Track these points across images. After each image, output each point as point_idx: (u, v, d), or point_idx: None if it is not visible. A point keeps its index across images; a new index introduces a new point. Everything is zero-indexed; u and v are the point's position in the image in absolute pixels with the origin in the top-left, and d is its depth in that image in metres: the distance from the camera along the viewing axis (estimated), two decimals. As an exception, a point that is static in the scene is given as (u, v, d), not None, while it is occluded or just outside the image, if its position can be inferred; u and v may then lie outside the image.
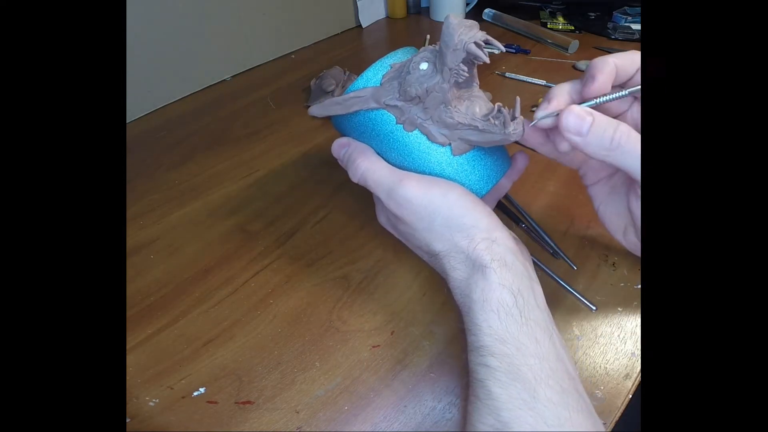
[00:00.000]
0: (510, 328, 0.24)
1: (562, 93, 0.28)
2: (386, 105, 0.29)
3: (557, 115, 0.26)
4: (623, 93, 0.27)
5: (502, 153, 0.32)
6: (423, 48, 0.29)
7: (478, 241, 0.27)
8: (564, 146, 0.27)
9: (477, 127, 0.28)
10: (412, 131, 0.29)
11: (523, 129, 0.28)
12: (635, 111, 0.29)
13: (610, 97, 0.27)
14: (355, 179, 0.31)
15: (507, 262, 0.26)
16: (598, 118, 0.26)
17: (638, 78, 0.27)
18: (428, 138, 0.29)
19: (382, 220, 0.34)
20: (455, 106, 0.28)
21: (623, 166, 0.26)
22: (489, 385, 0.23)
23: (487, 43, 0.26)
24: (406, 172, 0.30)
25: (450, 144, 0.29)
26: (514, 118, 0.27)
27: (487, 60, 0.26)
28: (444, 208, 0.28)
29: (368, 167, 0.30)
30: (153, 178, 0.46)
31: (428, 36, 0.33)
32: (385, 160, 0.31)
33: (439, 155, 0.30)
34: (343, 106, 0.30)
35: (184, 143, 0.52)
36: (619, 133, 0.25)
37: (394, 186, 0.29)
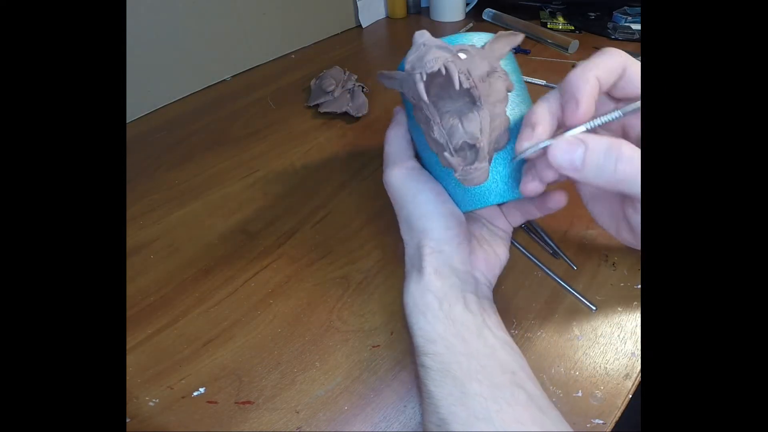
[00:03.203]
0: (437, 329, 0.25)
1: (544, 116, 0.25)
2: (404, 94, 0.29)
3: (544, 145, 0.24)
4: (617, 115, 0.24)
5: (504, 180, 0.29)
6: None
7: (424, 246, 0.28)
8: (549, 176, 0.25)
9: (443, 151, 0.26)
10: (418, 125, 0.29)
11: (482, 176, 0.25)
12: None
13: (602, 120, 0.24)
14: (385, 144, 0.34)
15: (441, 272, 0.27)
16: (591, 145, 0.22)
17: (622, 85, 0.25)
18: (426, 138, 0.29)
19: None
20: (440, 122, 0.26)
21: (634, 194, 0.22)
22: (428, 384, 0.24)
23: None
24: (407, 158, 0.32)
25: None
26: (471, 163, 0.25)
27: (426, 100, 0.24)
28: (410, 206, 0.30)
29: (389, 139, 0.33)
30: (153, 178, 0.46)
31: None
32: (412, 136, 0.33)
33: (435, 158, 0.29)
34: (387, 79, 0.30)
35: (184, 143, 0.52)
36: (624, 160, 0.22)
37: (387, 166, 0.32)
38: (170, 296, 0.34)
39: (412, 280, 0.28)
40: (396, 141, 0.32)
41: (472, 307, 0.26)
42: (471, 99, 0.25)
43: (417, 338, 0.26)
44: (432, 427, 0.23)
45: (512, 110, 0.29)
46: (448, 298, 0.26)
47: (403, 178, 0.30)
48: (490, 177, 0.28)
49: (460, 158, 0.26)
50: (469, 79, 0.25)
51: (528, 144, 0.25)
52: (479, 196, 0.30)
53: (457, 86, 0.24)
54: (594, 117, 0.24)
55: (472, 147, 0.25)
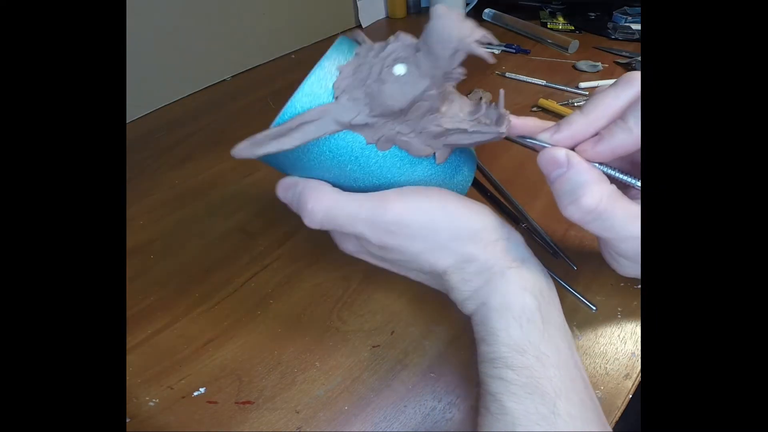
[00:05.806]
0: (531, 337, 0.22)
1: (576, 126, 0.24)
2: (353, 125, 0.24)
3: (543, 145, 0.25)
4: (632, 182, 0.24)
5: None
6: (387, 44, 0.25)
7: (491, 242, 0.25)
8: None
9: (465, 129, 0.24)
10: (388, 149, 0.25)
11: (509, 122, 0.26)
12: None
13: (615, 174, 0.24)
14: (315, 225, 0.25)
15: (524, 259, 0.25)
16: (572, 170, 0.23)
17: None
18: (409, 152, 0.25)
19: (349, 249, 0.29)
20: (441, 111, 0.25)
21: (593, 232, 0.23)
22: (503, 400, 0.22)
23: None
24: (380, 193, 0.25)
25: (434, 153, 0.26)
26: (503, 114, 0.25)
27: (493, 60, 0.23)
28: (447, 221, 0.25)
29: (331, 205, 0.25)
30: (153, 178, 0.46)
31: (360, 32, 0.27)
32: (347, 191, 0.26)
33: (420, 168, 0.26)
34: (289, 138, 0.24)
35: (184, 143, 0.52)
36: (578, 207, 0.22)
37: (377, 214, 0.24)
38: (170, 296, 0.34)
39: (498, 284, 0.24)
40: (342, 199, 0.25)
41: (556, 301, 0.24)
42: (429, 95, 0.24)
43: (501, 347, 0.22)
44: None
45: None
46: (543, 293, 0.23)
47: (413, 207, 0.25)
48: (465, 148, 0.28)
49: (494, 116, 0.25)
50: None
51: (544, 137, 0.25)
52: (469, 172, 0.29)
53: (497, 50, 0.26)
54: (611, 162, 0.24)
55: (489, 108, 0.25)
